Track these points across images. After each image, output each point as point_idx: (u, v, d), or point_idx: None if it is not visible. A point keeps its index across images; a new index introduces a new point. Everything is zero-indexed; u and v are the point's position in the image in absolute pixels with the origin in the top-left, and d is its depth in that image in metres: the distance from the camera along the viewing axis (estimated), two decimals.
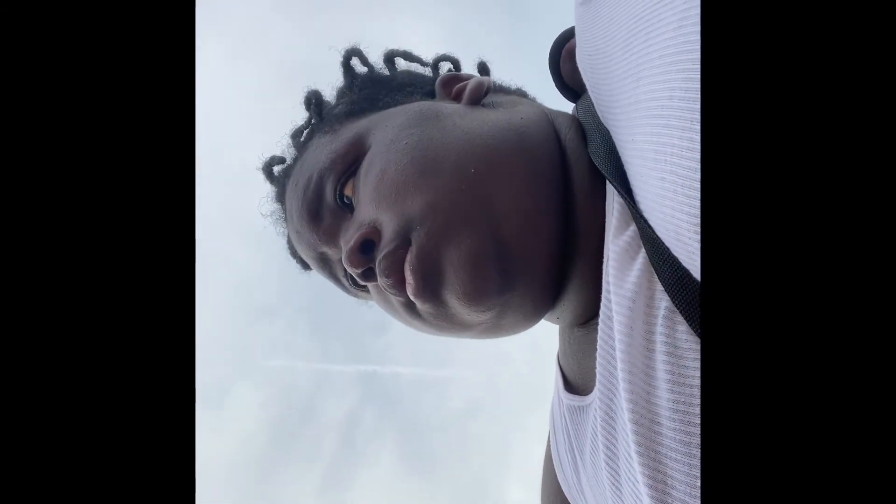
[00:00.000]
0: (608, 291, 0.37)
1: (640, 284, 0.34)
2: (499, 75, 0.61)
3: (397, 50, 0.62)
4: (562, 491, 0.55)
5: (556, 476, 0.55)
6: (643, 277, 0.34)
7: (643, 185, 0.35)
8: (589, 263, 0.42)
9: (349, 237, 0.47)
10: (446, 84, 0.55)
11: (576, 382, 0.49)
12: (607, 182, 0.41)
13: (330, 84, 0.60)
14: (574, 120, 0.49)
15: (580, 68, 0.45)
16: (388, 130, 0.49)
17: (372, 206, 0.46)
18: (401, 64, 0.62)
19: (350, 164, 0.50)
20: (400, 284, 0.44)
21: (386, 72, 0.61)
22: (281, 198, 0.58)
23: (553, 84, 0.54)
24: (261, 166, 0.63)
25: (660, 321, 0.32)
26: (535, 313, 0.47)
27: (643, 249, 0.35)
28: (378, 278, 0.45)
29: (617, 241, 0.37)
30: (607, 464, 0.39)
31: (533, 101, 0.57)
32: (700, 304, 0.30)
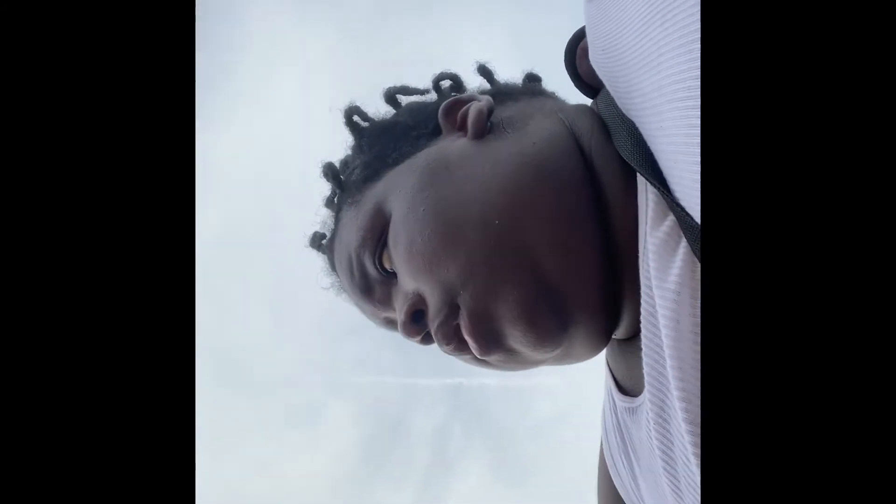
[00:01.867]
0: (649, 287, 0.36)
1: (683, 276, 0.33)
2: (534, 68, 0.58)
3: (394, 87, 0.60)
4: (619, 495, 0.53)
5: (611, 480, 0.53)
6: (686, 268, 0.33)
7: (677, 171, 0.33)
8: (635, 265, 0.41)
9: (399, 308, 0.48)
10: (448, 114, 0.53)
11: (625, 384, 0.48)
12: (638, 175, 0.39)
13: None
14: (594, 116, 0.48)
15: (594, 66, 0.44)
16: (403, 197, 0.48)
17: (410, 278, 0.47)
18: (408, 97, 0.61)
19: (378, 236, 0.49)
20: (462, 347, 0.45)
21: (394, 109, 0.60)
22: (334, 270, 0.59)
23: (571, 83, 0.53)
24: (308, 243, 0.64)
25: None
26: (604, 335, 0.46)
27: (683, 239, 0.34)
28: (438, 346, 0.45)
29: (655, 233, 0.36)
30: (665, 469, 0.38)
31: (547, 99, 0.55)
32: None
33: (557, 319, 0.42)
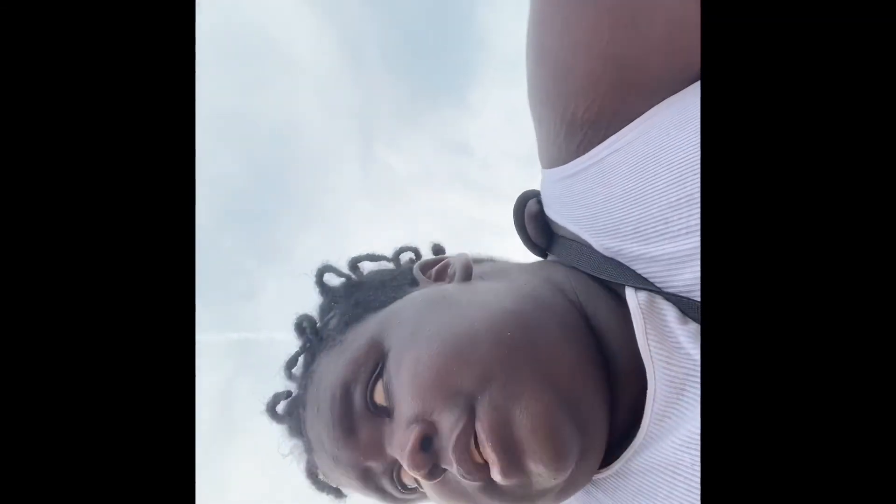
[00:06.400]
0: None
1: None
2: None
3: (360, 255, 0.65)
4: None
5: None
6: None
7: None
8: (631, 383, 0.45)
9: (403, 439, 0.45)
10: (426, 269, 0.58)
11: None
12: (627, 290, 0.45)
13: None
14: (563, 266, 0.53)
15: (568, 226, 0.50)
16: (403, 326, 0.48)
17: (417, 401, 0.45)
18: (366, 266, 0.64)
19: (373, 367, 0.48)
20: (480, 468, 0.43)
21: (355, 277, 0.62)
22: (299, 431, 0.56)
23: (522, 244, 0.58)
24: (265, 409, 0.60)
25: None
26: (600, 457, 0.46)
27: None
28: (454, 468, 0.43)
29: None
30: None
31: (516, 263, 0.59)
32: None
33: (576, 435, 0.42)
